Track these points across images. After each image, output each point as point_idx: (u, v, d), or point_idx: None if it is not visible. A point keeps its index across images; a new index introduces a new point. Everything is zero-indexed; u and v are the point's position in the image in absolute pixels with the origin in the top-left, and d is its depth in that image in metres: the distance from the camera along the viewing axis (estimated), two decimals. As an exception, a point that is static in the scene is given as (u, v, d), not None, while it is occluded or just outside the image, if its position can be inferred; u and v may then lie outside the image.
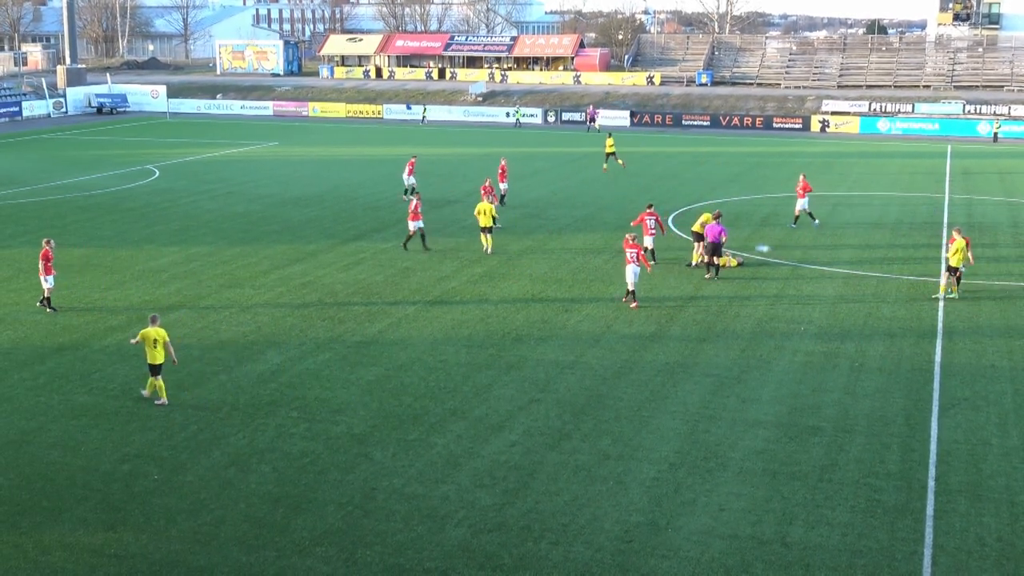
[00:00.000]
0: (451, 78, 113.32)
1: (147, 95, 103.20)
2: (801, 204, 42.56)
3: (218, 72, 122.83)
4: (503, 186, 48.04)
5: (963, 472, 19.34)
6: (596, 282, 33.58)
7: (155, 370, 22.68)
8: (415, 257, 37.14)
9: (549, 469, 19.52)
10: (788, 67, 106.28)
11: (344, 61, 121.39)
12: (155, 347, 22.45)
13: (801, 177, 43.28)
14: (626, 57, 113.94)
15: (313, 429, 21.46)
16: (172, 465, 19.72)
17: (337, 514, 17.75)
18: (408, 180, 50.17)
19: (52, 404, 22.87)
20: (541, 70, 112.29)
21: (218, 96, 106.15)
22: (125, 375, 24.63)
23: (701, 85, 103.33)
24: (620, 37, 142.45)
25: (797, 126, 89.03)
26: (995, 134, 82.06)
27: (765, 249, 37.85)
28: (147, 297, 31.76)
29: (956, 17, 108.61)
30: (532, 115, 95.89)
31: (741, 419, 21.95)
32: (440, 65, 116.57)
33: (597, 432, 21.28)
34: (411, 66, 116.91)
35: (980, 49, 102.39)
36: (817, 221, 42.92)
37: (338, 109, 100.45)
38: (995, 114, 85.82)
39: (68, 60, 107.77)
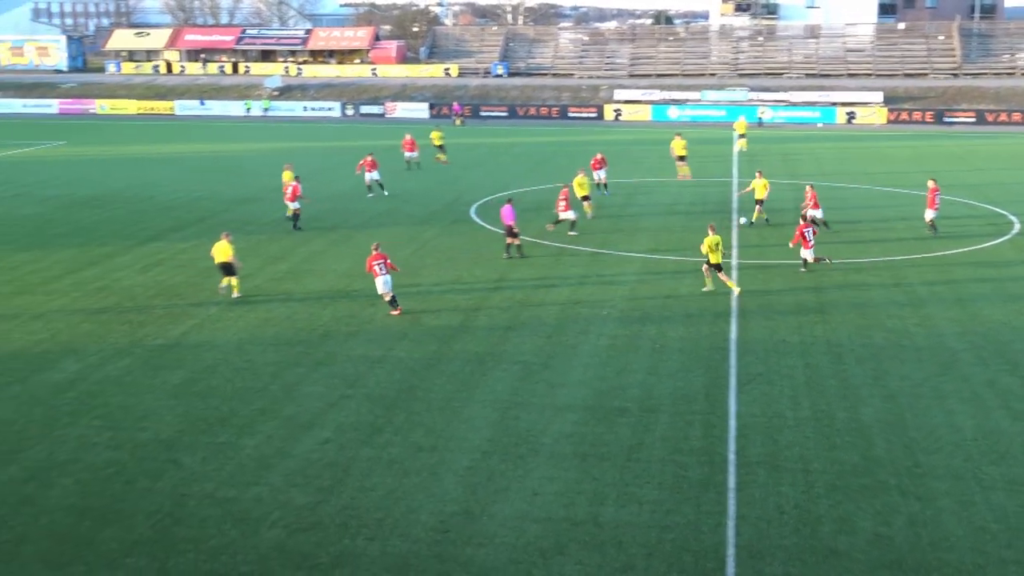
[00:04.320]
0: (245, 72, 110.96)
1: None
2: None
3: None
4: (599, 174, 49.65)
5: (761, 444, 20.23)
6: (401, 275, 33.45)
7: None
8: (216, 256, 36.32)
9: (363, 464, 19.48)
10: (581, 57, 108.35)
11: (132, 56, 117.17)
12: None
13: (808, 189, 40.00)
14: (422, 49, 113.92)
15: (118, 437, 20.78)
16: (-35, 483, 18.81)
17: (146, 523, 17.27)
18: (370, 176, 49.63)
19: None
20: (337, 63, 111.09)
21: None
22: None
23: (497, 76, 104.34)
24: (415, 29, 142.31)
25: (592, 115, 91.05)
26: (760, 120, 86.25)
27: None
28: (-71, 308, 30.12)
29: (738, 8, 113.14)
30: (330, 108, 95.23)
31: (550, 404, 22.37)
32: (233, 59, 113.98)
33: (409, 425, 21.33)
34: (203, 60, 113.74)
35: (760, 38, 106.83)
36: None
37: (128, 106, 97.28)
38: (760, 101, 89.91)
39: None
